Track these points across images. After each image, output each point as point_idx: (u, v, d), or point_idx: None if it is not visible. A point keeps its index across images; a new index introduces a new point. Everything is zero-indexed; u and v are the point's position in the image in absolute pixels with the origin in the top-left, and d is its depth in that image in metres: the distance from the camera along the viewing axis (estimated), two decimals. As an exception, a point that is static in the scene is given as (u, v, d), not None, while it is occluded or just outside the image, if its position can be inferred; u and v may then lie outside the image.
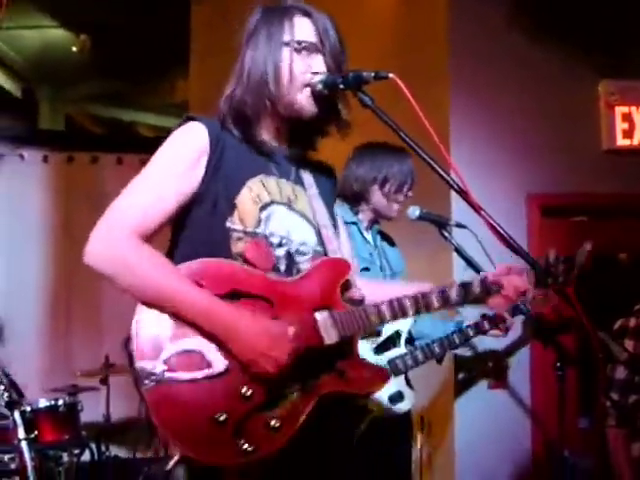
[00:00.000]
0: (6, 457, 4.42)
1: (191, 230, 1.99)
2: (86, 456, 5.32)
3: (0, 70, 8.77)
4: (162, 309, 1.81)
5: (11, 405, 4.15)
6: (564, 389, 3.67)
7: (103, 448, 5.43)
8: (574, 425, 4.70)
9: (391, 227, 3.57)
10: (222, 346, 1.81)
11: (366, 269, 3.25)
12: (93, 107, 10.46)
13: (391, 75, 1.87)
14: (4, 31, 6.13)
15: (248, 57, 2.05)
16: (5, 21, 5.46)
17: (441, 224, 3.38)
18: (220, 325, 1.81)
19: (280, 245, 2.00)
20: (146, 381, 1.75)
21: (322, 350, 1.92)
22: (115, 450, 5.87)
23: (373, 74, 1.91)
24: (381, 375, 2.04)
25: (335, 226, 2.19)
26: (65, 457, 4.88)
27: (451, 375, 4.62)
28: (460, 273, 3.67)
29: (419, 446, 4.25)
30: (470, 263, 3.29)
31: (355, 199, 3.42)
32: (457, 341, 3.42)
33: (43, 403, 4.77)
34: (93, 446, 5.44)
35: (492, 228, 1.84)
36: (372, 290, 2.18)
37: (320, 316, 1.93)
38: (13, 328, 6.67)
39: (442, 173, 1.84)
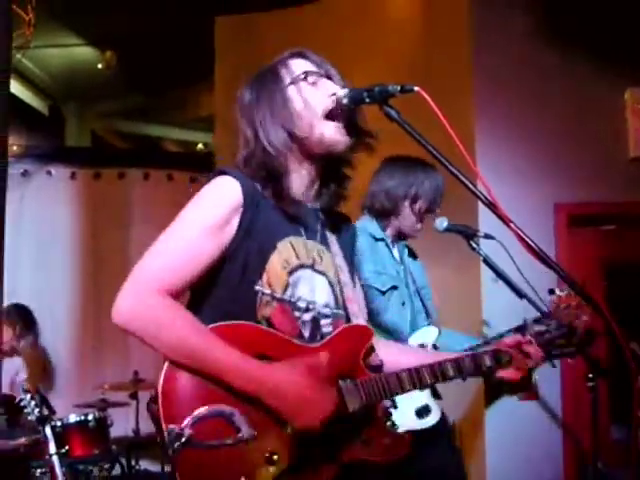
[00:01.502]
0: (38, 472, 4.45)
1: (219, 288, 1.95)
2: (116, 470, 5.34)
3: (27, 88, 8.87)
4: (194, 368, 1.79)
5: (42, 420, 4.19)
6: (596, 400, 3.63)
7: (133, 462, 5.44)
8: (607, 436, 4.65)
9: (418, 239, 3.56)
10: (257, 403, 1.79)
11: (394, 287, 3.24)
12: (119, 123, 10.55)
13: (416, 88, 1.86)
14: (31, 50, 6.20)
15: (257, 120, 2.01)
16: (32, 40, 5.51)
17: (469, 235, 3.36)
18: (253, 380, 1.80)
19: (307, 310, 2.00)
20: (175, 444, 1.73)
21: (345, 418, 1.91)
22: (145, 464, 5.88)
23: (399, 87, 1.89)
24: (403, 443, 2.02)
25: (354, 282, 2.19)
26: (95, 471, 4.90)
27: (481, 387, 4.59)
28: (488, 284, 3.67)
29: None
30: (498, 274, 3.27)
31: (385, 214, 3.39)
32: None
33: (73, 418, 4.80)
34: (123, 460, 5.46)
35: (521, 239, 1.82)
36: (387, 352, 2.19)
37: (344, 384, 1.93)
38: (42, 343, 6.73)
39: (470, 186, 1.83)
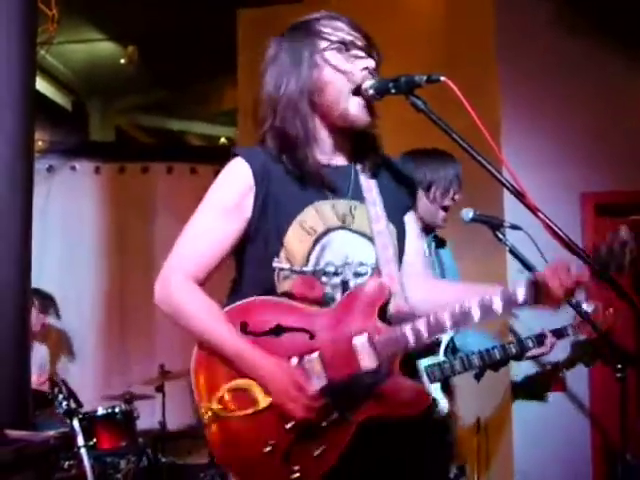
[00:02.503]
0: (66, 464, 4.49)
1: (246, 268, 2.06)
2: (143, 462, 5.37)
3: (51, 84, 8.92)
4: (210, 349, 1.96)
5: (70, 413, 4.23)
6: (625, 390, 3.60)
7: (159, 454, 5.47)
8: (636, 428, 4.61)
9: (444, 230, 3.54)
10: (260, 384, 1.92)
11: None
12: (143, 117, 10.57)
13: (443, 78, 1.85)
14: (54, 46, 6.22)
15: (281, 79, 2.00)
16: (55, 36, 5.54)
17: (495, 225, 3.33)
18: (250, 368, 1.92)
19: (336, 274, 1.99)
20: (205, 419, 1.94)
21: (362, 376, 1.92)
22: (171, 456, 5.92)
23: (425, 77, 1.88)
24: (421, 396, 1.98)
25: (399, 229, 2.13)
26: (122, 464, 4.94)
27: (507, 378, 4.57)
28: (514, 275, 3.63)
29: (476, 449, 4.22)
30: (525, 264, 3.25)
31: None
32: (497, 356, 3.37)
33: (100, 411, 4.84)
34: (149, 453, 5.49)
35: (549, 229, 1.81)
36: (428, 293, 2.13)
37: (358, 342, 1.93)
38: (68, 338, 6.79)
39: (498, 175, 1.82)
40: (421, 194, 3.35)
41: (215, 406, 1.93)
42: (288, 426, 1.89)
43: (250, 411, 1.91)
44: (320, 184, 2.02)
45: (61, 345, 6.67)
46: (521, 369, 4.53)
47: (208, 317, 1.96)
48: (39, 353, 5.85)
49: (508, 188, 1.82)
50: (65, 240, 7.04)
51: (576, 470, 4.63)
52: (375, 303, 1.97)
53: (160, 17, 7.30)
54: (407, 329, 1.92)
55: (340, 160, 2.09)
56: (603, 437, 4.57)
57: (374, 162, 2.12)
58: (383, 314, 1.99)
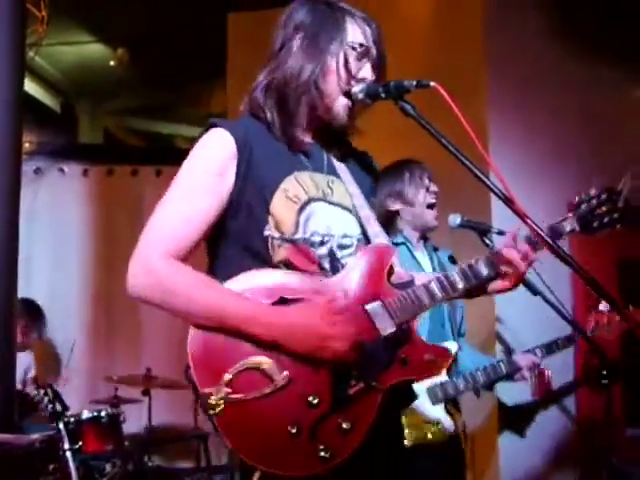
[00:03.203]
0: (51, 467, 4.47)
1: (229, 243, 1.96)
2: (129, 466, 5.36)
3: (40, 86, 8.89)
4: (212, 326, 1.79)
5: (56, 416, 4.21)
6: (610, 396, 3.61)
7: (145, 458, 5.46)
8: (621, 433, 4.63)
9: (431, 235, 3.55)
10: (281, 350, 1.78)
11: None
12: (132, 120, 10.55)
13: (432, 83, 1.85)
14: (44, 47, 6.21)
15: (299, 46, 2.02)
16: (45, 38, 5.53)
17: (482, 231, 3.35)
18: (272, 327, 1.78)
19: (322, 244, 1.96)
20: (214, 407, 1.74)
21: (381, 342, 1.87)
22: (157, 460, 5.90)
23: (415, 83, 1.89)
24: (443, 355, 1.95)
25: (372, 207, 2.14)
26: (108, 467, 4.92)
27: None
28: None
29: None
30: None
31: (389, 222, 3.39)
32: (504, 370, 3.37)
33: (86, 414, 4.80)
34: (136, 456, 5.47)
35: (537, 235, 1.83)
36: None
37: (372, 308, 1.89)
38: (55, 339, 6.75)
39: (486, 181, 1.82)
40: (395, 201, 3.37)
41: (225, 391, 1.74)
42: (313, 401, 1.77)
43: (267, 390, 1.76)
44: (299, 154, 2.03)
45: (48, 347, 6.63)
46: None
47: (208, 290, 1.82)
48: (23, 359, 5.82)
49: (496, 194, 1.83)
50: (52, 243, 7.01)
51: (564, 475, 4.64)
52: (383, 267, 1.95)
53: (150, 20, 7.31)
54: (420, 290, 1.92)
55: (315, 139, 2.10)
56: (590, 443, 4.58)
57: (341, 152, 2.14)
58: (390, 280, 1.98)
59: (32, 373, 5.78)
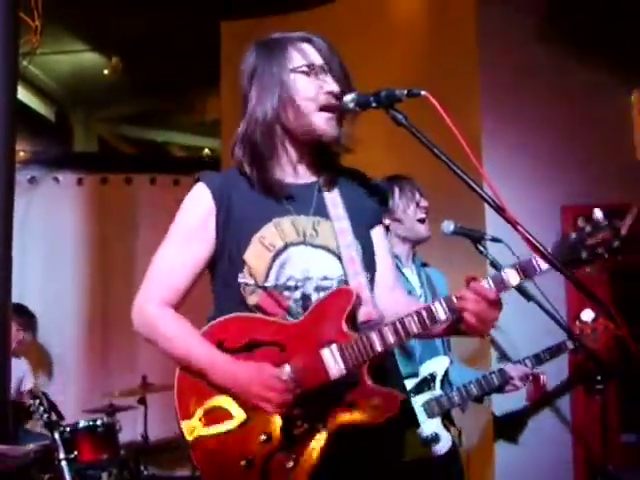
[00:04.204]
0: (47, 477, 4.46)
1: (218, 284, 2.15)
2: (125, 475, 5.34)
3: (34, 95, 8.88)
4: (185, 367, 2.04)
5: (51, 426, 4.20)
6: (606, 402, 3.62)
7: (141, 467, 5.45)
8: (616, 439, 4.63)
9: (425, 243, 3.55)
10: (233, 396, 1.98)
11: None
12: (126, 128, 10.54)
13: (423, 92, 1.86)
14: (38, 57, 6.21)
15: (254, 94, 2.08)
16: (39, 47, 5.52)
17: (476, 238, 3.35)
18: (223, 377, 1.98)
19: (296, 288, 2.03)
20: (189, 438, 2.01)
21: (331, 385, 1.94)
22: (153, 469, 5.89)
23: (406, 92, 1.90)
24: (391, 401, 1.95)
25: (365, 244, 2.16)
26: (104, 477, 4.91)
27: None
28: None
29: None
30: (506, 277, 3.25)
31: None
32: (496, 381, 3.39)
33: (82, 423, 4.80)
34: (131, 465, 5.46)
35: (529, 242, 1.83)
36: (394, 305, 2.15)
37: (326, 352, 1.96)
38: (49, 348, 6.74)
39: (478, 189, 1.83)
40: (391, 222, 3.38)
41: (196, 424, 2.00)
42: (263, 439, 1.94)
43: (226, 427, 1.98)
44: (282, 200, 2.07)
45: (42, 358, 6.62)
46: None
47: (183, 337, 2.04)
48: (18, 368, 5.80)
49: (488, 202, 1.84)
50: (47, 252, 7.00)
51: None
52: (342, 310, 1.99)
53: (144, 28, 7.30)
54: (373, 335, 1.95)
55: (306, 177, 2.14)
56: (585, 449, 4.58)
57: (338, 174, 2.17)
58: (353, 322, 2.02)
59: (28, 385, 5.75)
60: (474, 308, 1.89)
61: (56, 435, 4.22)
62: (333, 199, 2.13)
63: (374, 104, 1.96)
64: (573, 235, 1.91)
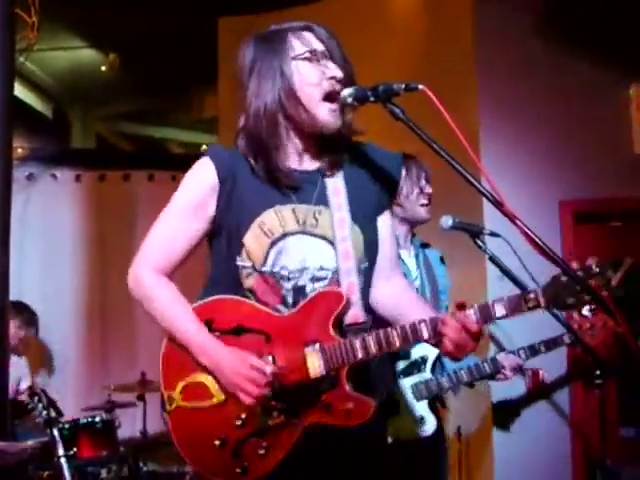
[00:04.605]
0: (46, 474, 4.46)
1: (214, 260, 2.17)
2: (124, 471, 5.35)
3: (32, 91, 8.87)
4: (170, 337, 2.09)
5: (50, 422, 4.19)
6: (604, 397, 3.62)
7: (141, 463, 5.44)
8: (615, 434, 4.64)
9: (424, 237, 3.55)
10: (215, 378, 2.03)
11: None
12: (124, 125, 10.54)
13: (421, 86, 1.86)
14: (35, 53, 6.20)
15: (254, 86, 2.06)
16: (36, 43, 5.52)
17: (475, 233, 3.34)
18: (210, 359, 2.02)
19: (288, 279, 2.04)
20: (167, 407, 2.08)
21: (310, 384, 1.98)
22: (153, 465, 5.89)
23: (404, 86, 1.90)
24: (365, 407, 1.97)
25: (368, 230, 2.15)
26: (103, 473, 4.91)
27: (488, 383, 4.59)
28: (494, 282, 3.66)
29: (457, 456, 4.23)
30: (505, 272, 3.25)
31: None
32: (487, 370, 3.38)
33: (81, 420, 4.80)
34: (131, 462, 5.46)
35: (527, 237, 1.82)
36: (388, 298, 2.19)
37: (309, 350, 1.98)
38: (49, 345, 6.74)
39: (476, 183, 1.83)
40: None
41: (177, 395, 2.06)
42: (238, 423, 1.99)
43: (205, 404, 2.03)
44: (285, 188, 2.06)
45: (41, 354, 6.62)
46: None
47: (175, 308, 2.08)
48: (18, 367, 5.80)
49: (487, 197, 1.84)
50: (45, 249, 6.98)
51: (557, 477, 4.64)
52: (331, 313, 2.01)
53: (141, 25, 7.30)
54: (356, 342, 1.97)
55: (309, 164, 2.12)
56: (584, 444, 4.59)
57: (344, 156, 2.15)
58: (340, 323, 2.04)
59: (25, 384, 5.74)
60: (454, 337, 1.94)
61: (55, 432, 4.21)
62: (336, 186, 2.11)
63: (372, 98, 1.96)
64: (564, 279, 1.89)
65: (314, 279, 2.05)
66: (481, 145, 4.69)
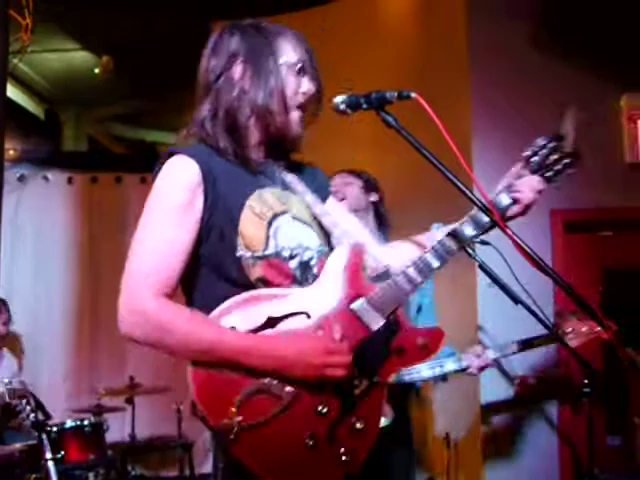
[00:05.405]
0: (33, 477, 4.44)
1: (203, 270, 1.96)
2: (112, 475, 5.33)
3: (24, 93, 8.87)
4: (210, 361, 1.81)
5: (38, 426, 4.18)
6: (592, 406, 3.63)
7: (129, 467, 5.43)
8: (602, 442, 4.65)
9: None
10: (280, 377, 1.81)
11: None
12: (116, 127, 10.54)
13: (414, 95, 1.87)
14: (28, 55, 6.19)
15: (248, 74, 2.05)
16: (29, 45, 5.51)
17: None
18: (270, 358, 1.82)
19: (292, 257, 1.99)
20: (230, 437, 1.76)
21: (374, 337, 1.90)
22: (141, 469, 5.88)
23: (396, 94, 1.90)
24: (436, 336, 1.99)
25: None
26: (91, 477, 4.89)
27: (477, 391, 4.59)
28: (484, 290, 3.67)
29: (446, 463, 4.24)
30: (494, 280, 3.26)
31: (377, 214, 3.53)
32: (450, 369, 3.40)
33: (69, 423, 4.79)
34: (119, 465, 5.45)
35: (517, 246, 1.84)
36: (395, 253, 2.19)
37: (358, 307, 1.92)
38: (38, 347, 6.72)
39: (467, 191, 1.84)
40: (377, 198, 3.48)
41: (234, 420, 1.77)
42: (322, 411, 1.82)
43: (277, 410, 1.80)
44: (258, 174, 2.05)
45: (28, 356, 6.60)
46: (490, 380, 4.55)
47: (204, 325, 1.84)
48: (10, 364, 5.79)
49: (477, 205, 1.85)
50: (36, 251, 6.97)
51: (544, 484, 4.66)
52: (357, 266, 1.98)
53: (135, 27, 7.30)
54: (399, 278, 1.94)
55: (262, 157, 2.12)
56: (571, 451, 4.60)
57: (291, 164, 2.18)
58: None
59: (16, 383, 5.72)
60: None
61: (43, 435, 4.20)
62: (293, 177, 2.14)
63: (365, 105, 1.96)
64: (535, 159, 2.19)
65: (309, 258, 2.03)
66: (474, 152, 4.70)
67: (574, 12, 4.92)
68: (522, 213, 2.12)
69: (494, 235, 2.30)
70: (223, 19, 6.22)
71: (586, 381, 3.57)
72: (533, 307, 3.19)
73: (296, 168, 2.20)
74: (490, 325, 4.63)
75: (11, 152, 6.87)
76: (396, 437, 3.27)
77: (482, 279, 3.40)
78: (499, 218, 1.86)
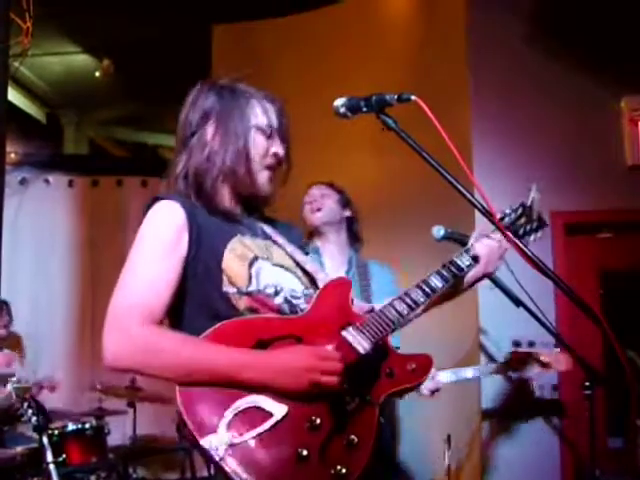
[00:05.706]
0: (34, 480, 4.44)
1: (189, 303, 2.01)
2: (113, 478, 5.33)
3: (25, 96, 8.88)
4: (201, 380, 1.80)
5: (39, 429, 4.18)
6: (593, 408, 3.63)
7: (130, 470, 5.42)
8: (604, 444, 4.65)
9: (415, 248, 3.56)
10: (273, 391, 1.81)
11: None
12: (117, 131, 10.55)
13: (413, 97, 1.87)
14: (29, 58, 6.20)
15: (217, 135, 2.11)
16: (30, 49, 5.52)
17: (466, 243, 3.35)
18: (264, 371, 1.82)
19: (276, 294, 2.04)
20: (219, 453, 1.73)
21: (363, 361, 1.93)
22: (142, 472, 5.87)
23: (396, 96, 1.91)
24: (425, 361, 2.03)
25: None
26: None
27: (477, 392, 4.59)
28: (485, 293, 3.65)
29: (446, 464, 4.23)
30: (496, 282, 3.27)
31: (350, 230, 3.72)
32: None
33: (70, 426, 4.78)
34: (120, 468, 5.44)
35: (518, 248, 1.84)
36: None
37: (347, 332, 1.96)
38: (40, 350, 6.71)
39: (467, 194, 1.84)
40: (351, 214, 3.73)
41: (223, 436, 1.74)
42: (314, 425, 1.80)
43: (269, 425, 1.77)
44: (236, 224, 2.11)
45: (30, 359, 6.59)
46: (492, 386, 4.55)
47: (190, 346, 1.85)
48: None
49: (478, 207, 1.85)
50: (37, 254, 6.98)
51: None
52: (346, 296, 2.07)
53: (135, 31, 7.31)
54: (387, 311, 2.01)
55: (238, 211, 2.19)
56: (573, 454, 4.59)
57: (263, 218, 2.26)
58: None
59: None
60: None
61: (44, 438, 4.20)
62: (270, 229, 2.22)
63: (365, 109, 1.97)
64: (506, 220, 2.39)
65: (293, 297, 2.08)
66: (473, 154, 4.70)
67: (574, 13, 4.92)
68: (486, 274, 2.34)
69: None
70: (224, 24, 6.27)
71: (587, 383, 3.57)
72: (535, 310, 3.21)
73: (270, 222, 2.28)
74: (492, 328, 4.63)
75: (12, 155, 6.88)
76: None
77: (483, 281, 3.39)
78: (498, 221, 1.85)
